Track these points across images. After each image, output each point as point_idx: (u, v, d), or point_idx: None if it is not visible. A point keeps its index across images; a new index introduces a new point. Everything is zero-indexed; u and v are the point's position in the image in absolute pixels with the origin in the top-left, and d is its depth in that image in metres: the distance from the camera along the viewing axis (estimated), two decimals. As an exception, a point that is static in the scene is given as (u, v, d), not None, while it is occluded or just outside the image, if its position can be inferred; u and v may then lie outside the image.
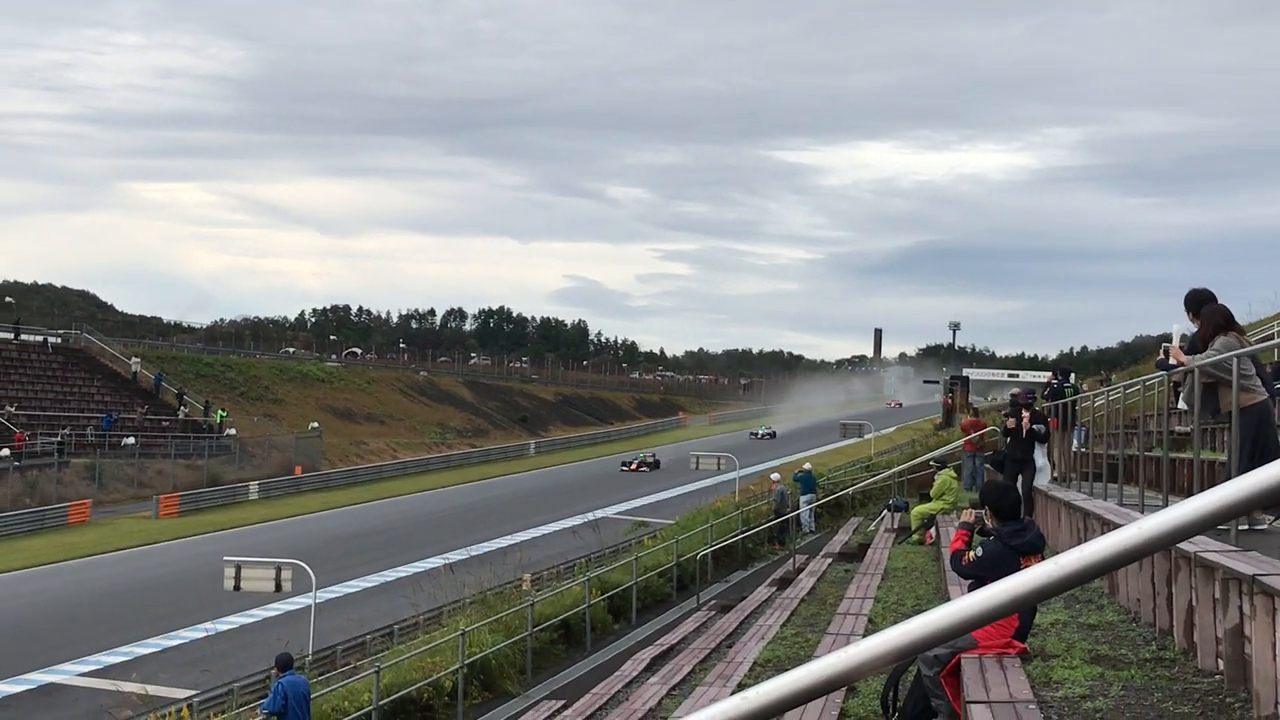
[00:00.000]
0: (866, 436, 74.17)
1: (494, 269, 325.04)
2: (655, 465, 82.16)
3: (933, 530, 23.30)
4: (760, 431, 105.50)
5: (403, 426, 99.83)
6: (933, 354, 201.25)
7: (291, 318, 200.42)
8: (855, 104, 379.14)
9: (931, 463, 30.00)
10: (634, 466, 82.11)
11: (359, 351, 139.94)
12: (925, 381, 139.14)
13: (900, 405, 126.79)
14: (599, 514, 49.54)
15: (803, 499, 40.07)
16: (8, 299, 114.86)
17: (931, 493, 26.05)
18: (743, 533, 37.80)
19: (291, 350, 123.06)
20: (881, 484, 41.58)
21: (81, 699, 29.23)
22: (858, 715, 10.29)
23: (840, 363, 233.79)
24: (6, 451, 61.51)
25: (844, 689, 10.49)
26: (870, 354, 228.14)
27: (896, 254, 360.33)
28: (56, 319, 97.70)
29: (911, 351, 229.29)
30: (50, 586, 43.65)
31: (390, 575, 44.13)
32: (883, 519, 31.51)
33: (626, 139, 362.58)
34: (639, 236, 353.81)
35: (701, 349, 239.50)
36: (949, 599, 2.69)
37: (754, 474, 58.39)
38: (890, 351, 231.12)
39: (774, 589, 25.29)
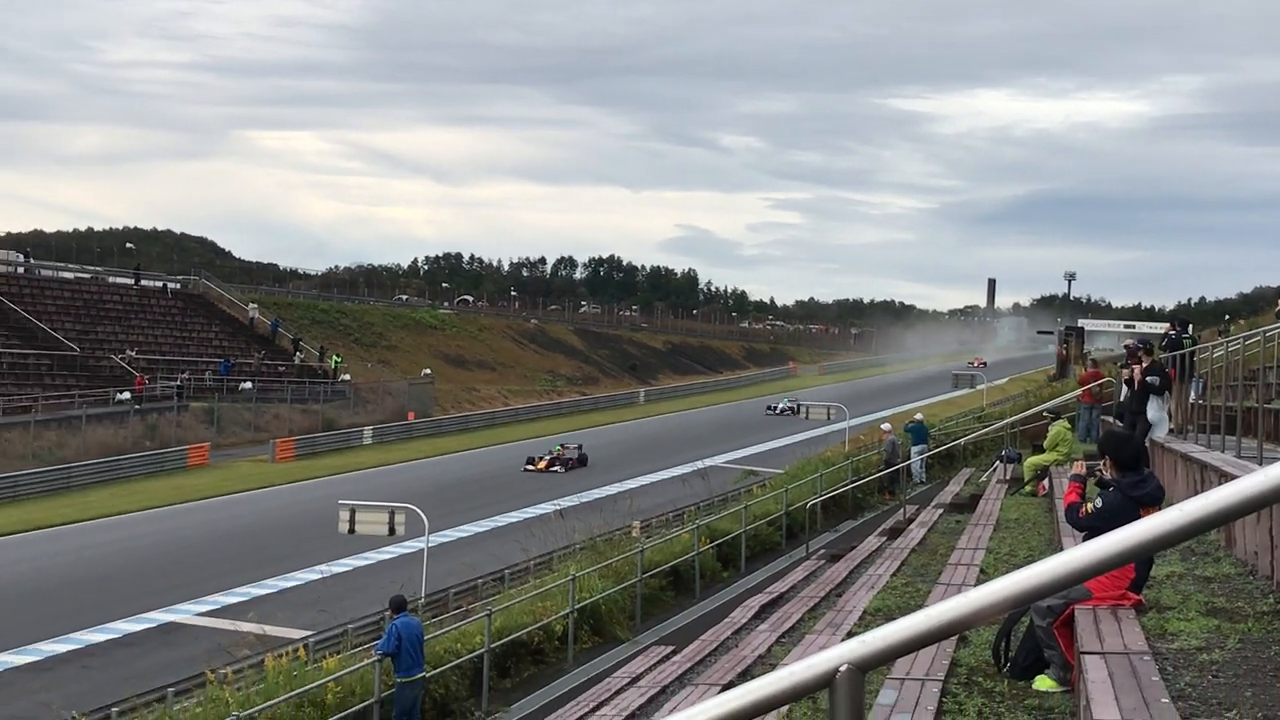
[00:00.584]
0: (979, 387, 73.66)
1: (605, 218, 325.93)
2: (579, 462, 59.81)
3: (1045, 482, 23.05)
4: (780, 405, 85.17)
5: (513, 373, 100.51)
6: (1047, 304, 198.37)
7: (405, 265, 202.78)
8: (971, 51, 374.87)
9: (1045, 414, 29.65)
10: (541, 465, 58.79)
11: (471, 299, 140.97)
12: (1039, 332, 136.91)
13: (985, 365, 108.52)
14: (708, 462, 49.62)
15: (914, 449, 39.80)
16: (128, 245, 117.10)
17: (1045, 444, 25.76)
18: (852, 482, 37.63)
19: (405, 297, 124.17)
20: (994, 435, 41.21)
21: (200, 638, 29.81)
22: (969, 665, 10.22)
23: (953, 313, 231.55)
24: (127, 395, 62.77)
25: (955, 638, 10.44)
26: (984, 304, 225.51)
27: (1011, 203, 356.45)
28: (176, 265, 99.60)
29: (1026, 302, 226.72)
30: (169, 528, 44.56)
31: (501, 520, 44.55)
32: (995, 470, 31.25)
33: (740, 87, 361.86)
34: (751, 185, 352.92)
35: (812, 298, 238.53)
36: (1061, 551, 2.66)
37: (864, 424, 58.13)
38: (1004, 302, 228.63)
39: (884, 539, 25.20)
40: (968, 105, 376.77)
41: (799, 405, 78.49)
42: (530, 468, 58.53)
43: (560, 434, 74.56)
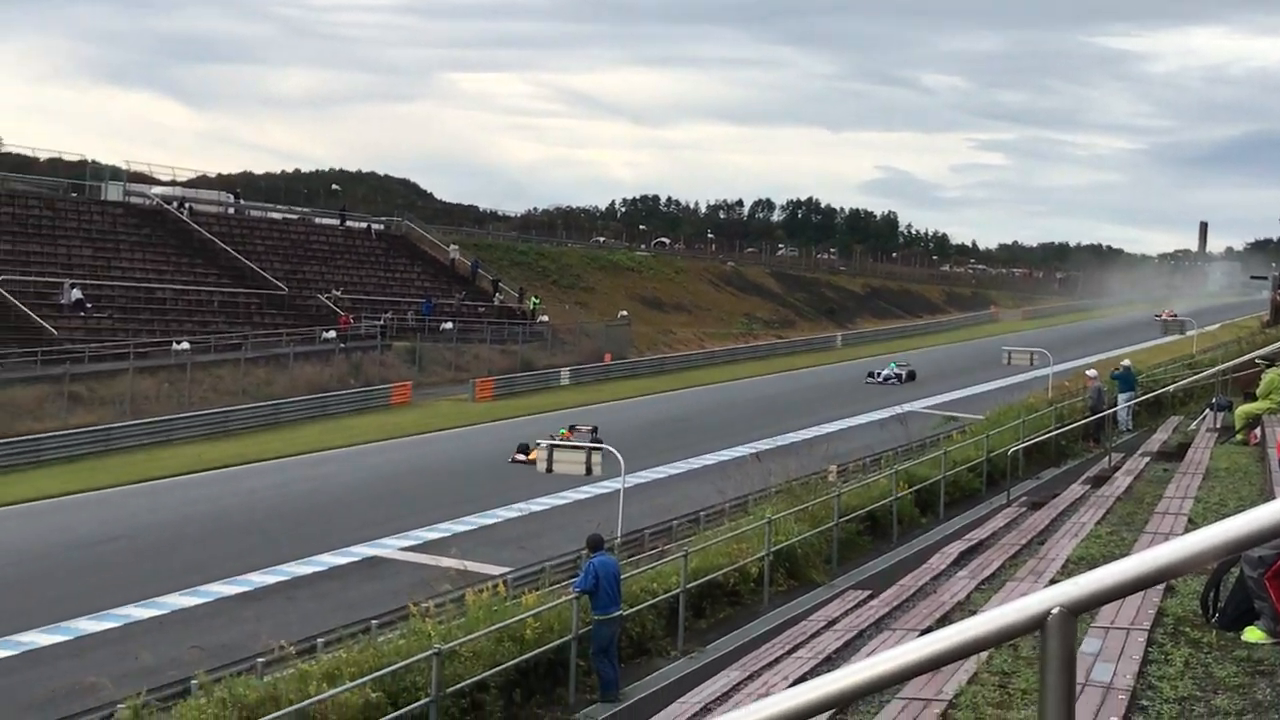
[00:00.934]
0: (1189, 333, 71.75)
1: (803, 159, 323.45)
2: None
3: (1258, 431, 22.36)
4: (884, 372, 72.38)
5: (710, 316, 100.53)
6: (1261, 248, 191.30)
7: (602, 207, 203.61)
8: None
9: (1258, 361, 28.75)
10: (533, 456, 38.95)
11: (667, 241, 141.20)
12: (1252, 277, 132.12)
13: (1174, 317, 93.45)
14: (906, 408, 49.22)
15: (1120, 396, 38.91)
16: (334, 186, 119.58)
17: (1258, 391, 24.97)
18: (1056, 429, 36.95)
19: (602, 239, 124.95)
20: (1204, 382, 40.05)
21: (403, 572, 30.61)
22: (1175, 615, 10.00)
23: (1162, 257, 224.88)
24: (333, 334, 64.35)
25: (1162, 588, 10.23)
26: (1194, 248, 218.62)
27: (1225, 144, 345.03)
28: (379, 206, 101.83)
29: (1239, 246, 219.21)
30: (374, 464, 45.69)
31: (696, 463, 44.75)
32: (1204, 418, 30.38)
33: (943, 25, 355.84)
34: (953, 126, 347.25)
35: (1015, 242, 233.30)
36: (1274, 500, 2.59)
37: (1069, 370, 56.98)
38: (1216, 246, 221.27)
39: (1088, 487, 24.69)
40: (1180, 43, 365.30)
41: (908, 371, 72.93)
42: (521, 458, 42.92)
43: (762, 375, 74.50)
